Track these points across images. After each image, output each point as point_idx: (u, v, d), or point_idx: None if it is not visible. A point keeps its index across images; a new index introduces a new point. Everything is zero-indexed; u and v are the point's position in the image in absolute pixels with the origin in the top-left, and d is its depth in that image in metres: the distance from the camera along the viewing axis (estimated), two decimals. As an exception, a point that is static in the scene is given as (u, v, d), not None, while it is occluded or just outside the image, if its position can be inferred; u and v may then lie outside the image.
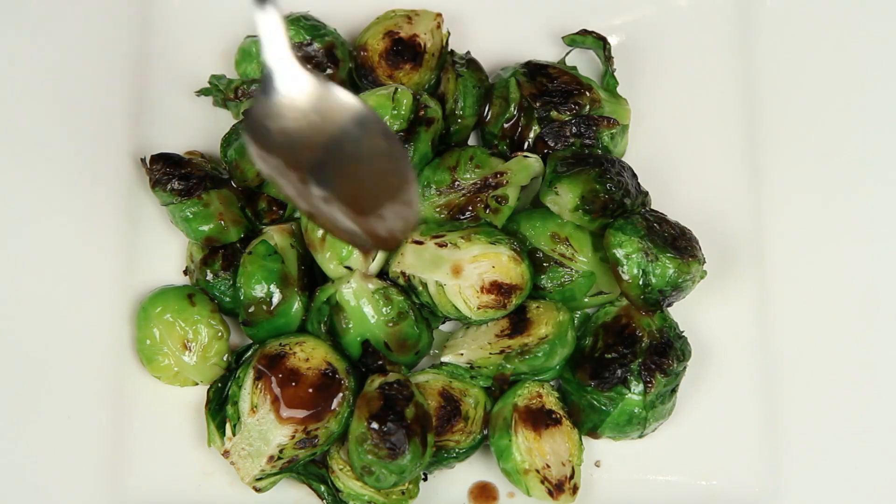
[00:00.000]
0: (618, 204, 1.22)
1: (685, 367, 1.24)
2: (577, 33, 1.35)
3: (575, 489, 1.20)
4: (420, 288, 1.21)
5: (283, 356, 1.19)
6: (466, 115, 1.30)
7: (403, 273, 1.21)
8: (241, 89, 1.30)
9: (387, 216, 1.06)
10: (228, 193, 1.27)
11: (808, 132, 1.35)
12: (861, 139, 1.34)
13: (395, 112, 1.22)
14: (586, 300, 1.26)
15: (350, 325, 1.21)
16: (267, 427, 1.17)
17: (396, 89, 1.23)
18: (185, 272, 1.30)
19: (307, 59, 1.30)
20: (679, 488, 1.26)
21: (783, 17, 1.37)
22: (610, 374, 1.21)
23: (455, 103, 1.30)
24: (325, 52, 1.30)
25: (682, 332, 1.25)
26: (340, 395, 1.19)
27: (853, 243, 1.32)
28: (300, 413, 1.17)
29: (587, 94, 1.30)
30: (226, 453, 1.19)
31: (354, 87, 1.32)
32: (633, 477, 1.27)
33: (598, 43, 1.34)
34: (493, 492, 1.25)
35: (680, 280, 1.20)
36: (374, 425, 1.14)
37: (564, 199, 1.22)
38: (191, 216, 1.25)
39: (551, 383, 1.25)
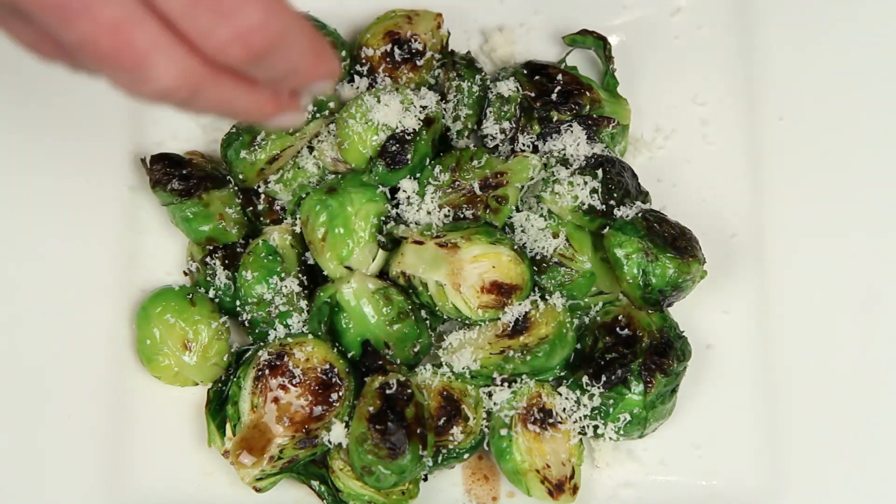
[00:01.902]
0: (617, 203, 1.22)
1: (685, 367, 1.24)
2: (577, 33, 1.35)
3: (575, 489, 1.20)
4: (420, 288, 1.21)
5: (283, 356, 1.19)
6: (466, 115, 1.30)
7: (403, 273, 1.21)
8: (241, 89, 1.30)
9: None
10: (228, 193, 1.28)
11: (809, 132, 1.34)
12: (863, 139, 1.34)
13: None
14: (586, 300, 1.26)
15: (350, 325, 1.21)
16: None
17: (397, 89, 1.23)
18: (185, 272, 1.30)
19: (307, 59, 1.30)
20: (679, 488, 1.26)
21: (783, 17, 1.37)
22: (610, 374, 1.21)
23: (455, 103, 1.30)
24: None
25: (682, 332, 1.25)
26: (340, 395, 1.19)
27: (854, 243, 1.32)
28: (300, 413, 1.17)
29: (587, 94, 1.30)
30: (226, 453, 1.19)
31: (354, 87, 1.33)
32: (633, 477, 1.27)
33: (599, 43, 1.34)
34: (491, 470, 1.26)
35: (680, 280, 1.20)
36: (375, 425, 1.14)
37: (564, 199, 1.22)
38: (191, 216, 1.25)
39: (551, 383, 1.25)
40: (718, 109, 1.36)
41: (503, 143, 1.30)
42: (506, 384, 1.23)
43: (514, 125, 1.29)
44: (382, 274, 1.24)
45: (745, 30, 1.37)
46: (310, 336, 1.22)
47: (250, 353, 1.22)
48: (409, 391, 1.16)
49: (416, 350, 1.23)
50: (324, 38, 0.80)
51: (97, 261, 1.28)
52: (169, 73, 0.72)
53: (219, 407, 1.22)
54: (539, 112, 1.29)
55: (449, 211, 1.23)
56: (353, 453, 1.16)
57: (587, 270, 1.24)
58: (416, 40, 1.30)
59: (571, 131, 1.28)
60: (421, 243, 1.20)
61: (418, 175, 1.25)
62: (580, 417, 1.22)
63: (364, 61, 1.31)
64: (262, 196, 1.29)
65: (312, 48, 0.78)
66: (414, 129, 1.22)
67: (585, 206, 1.22)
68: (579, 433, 1.23)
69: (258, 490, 1.20)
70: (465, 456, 1.22)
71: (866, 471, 1.26)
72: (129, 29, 0.70)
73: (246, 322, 1.24)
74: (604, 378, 1.21)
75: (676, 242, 1.20)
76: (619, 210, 1.22)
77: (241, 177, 1.26)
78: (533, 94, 1.29)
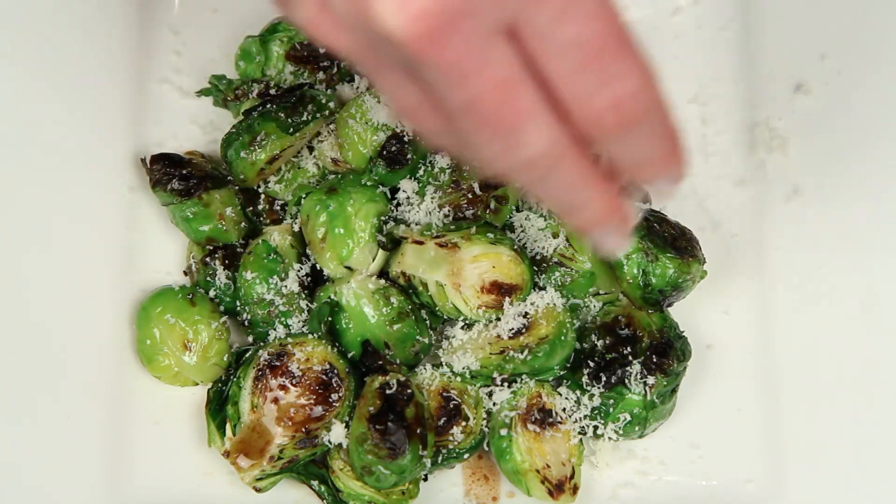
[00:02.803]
0: (618, 204, 1.22)
1: (685, 367, 1.24)
2: (577, 33, 1.34)
3: (575, 489, 1.20)
4: (420, 288, 1.21)
5: (284, 356, 1.19)
6: (466, 115, 1.30)
7: (403, 273, 1.21)
8: (242, 89, 1.31)
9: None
10: (228, 193, 1.28)
11: (809, 132, 1.35)
12: (864, 139, 1.34)
13: None
14: (586, 300, 1.26)
15: (350, 325, 1.21)
16: (268, 426, 1.17)
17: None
18: (185, 272, 1.30)
19: (308, 59, 1.30)
20: (679, 488, 1.26)
21: (784, 17, 1.37)
22: (610, 374, 1.21)
23: (455, 103, 1.30)
24: (325, 50, 1.30)
25: (682, 332, 1.25)
26: (340, 395, 1.19)
27: (855, 243, 1.32)
28: (300, 413, 1.17)
29: (587, 94, 1.30)
30: (226, 453, 1.19)
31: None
32: (634, 477, 1.27)
33: (599, 43, 1.33)
34: (491, 470, 1.26)
35: (680, 280, 1.20)
36: (375, 425, 1.14)
37: (564, 199, 1.22)
38: (191, 216, 1.25)
39: (551, 383, 1.25)
40: (718, 109, 1.36)
41: (503, 143, 1.30)
42: (506, 384, 1.23)
43: (514, 125, 1.29)
44: (382, 274, 1.24)
45: (746, 30, 1.37)
46: (310, 336, 1.22)
47: (250, 353, 1.22)
48: (409, 391, 1.16)
49: (416, 350, 1.23)
50: (680, 134, 0.79)
51: (97, 261, 1.28)
52: (540, 140, 0.73)
53: (219, 407, 1.22)
54: (539, 112, 1.29)
55: (449, 211, 1.23)
56: (353, 453, 1.16)
57: (587, 270, 1.24)
58: (416, 40, 1.30)
59: (571, 131, 1.28)
60: (421, 243, 1.20)
61: (418, 175, 1.25)
62: (580, 417, 1.22)
63: (364, 61, 1.31)
64: (262, 196, 1.29)
65: (670, 135, 0.78)
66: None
67: (585, 206, 1.22)
68: (579, 433, 1.23)
69: (258, 490, 1.20)
70: (465, 456, 1.22)
71: (866, 471, 1.26)
72: (514, 90, 0.72)
73: (246, 322, 1.24)
74: (604, 378, 1.21)
75: (676, 242, 1.20)
76: (619, 210, 1.22)
77: (241, 177, 1.26)
78: (533, 94, 1.29)
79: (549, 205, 0.81)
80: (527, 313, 1.22)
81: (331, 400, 1.18)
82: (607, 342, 1.22)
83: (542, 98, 0.73)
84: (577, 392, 1.23)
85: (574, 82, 0.72)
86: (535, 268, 1.23)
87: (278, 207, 1.29)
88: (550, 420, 1.21)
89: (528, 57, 0.72)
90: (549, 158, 0.75)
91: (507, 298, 1.20)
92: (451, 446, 1.21)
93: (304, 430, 1.17)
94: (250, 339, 1.26)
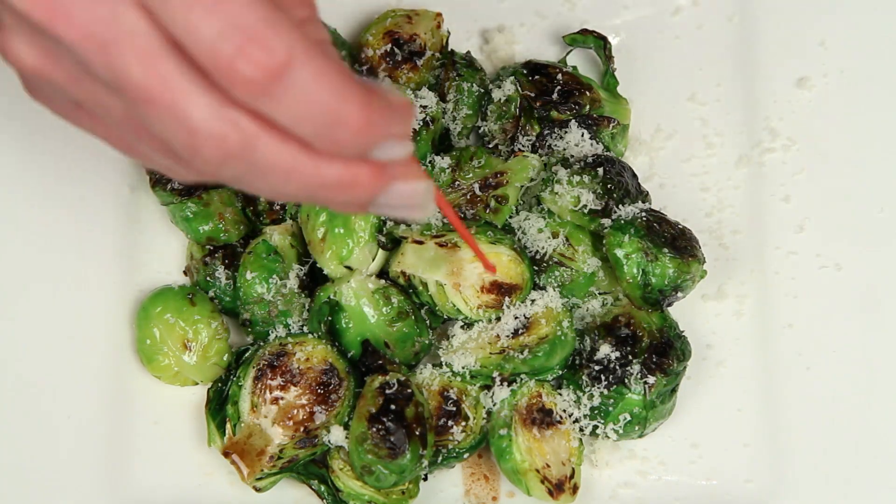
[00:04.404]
0: (617, 203, 1.22)
1: (685, 367, 1.24)
2: (577, 33, 1.35)
3: (575, 489, 1.20)
4: (420, 288, 1.21)
5: (284, 356, 1.19)
6: (466, 115, 1.30)
7: (403, 273, 1.21)
8: (242, 89, 1.31)
9: None
10: (228, 193, 1.28)
11: (809, 132, 1.35)
12: (864, 139, 1.34)
13: None
14: (586, 300, 1.26)
15: (350, 325, 1.21)
16: (267, 427, 1.17)
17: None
18: (185, 272, 1.30)
19: (307, 59, 1.30)
20: (679, 488, 1.26)
21: (784, 17, 1.37)
22: (610, 373, 1.21)
23: (455, 103, 1.30)
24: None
25: (682, 332, 1.25)
26: (340, 395, 1.19)
27: (854, 242, 1.32)
28: (300, 413, 1.17)
29: (587, 94, 1.30)
30: (225, 453, 1.19)
31: (354, 86, 1.32)
32: (633, 477, 1.27)
33: (599, 42, 1.34)
34: (491, 470, 1.26)
35: (680, 280, 1.20)
36: (374, 425, 1.14)
37: (564, 199, 1.22)
38: (191, 216, 1.25)
39: (551, 383, 1.25)
40: (718, 109, 1.36)
41: (503, 143, 1.30)
42: (505, 384, 1.23)
43: (514, 125, 1.29)
44: (382, 274, 1.24)
45: (746, 30, 1.37)
46: (310, 336, 1.22)
47: (250, 352, 1.22)
48: (409, 391, 1.16)
49: (416, 350, 1.23)
50: (381, 91, 0.71)
51: (97, 261, 1.28)
52: (206, 111, 0.67)
53: (219, 407, 1.22)
54: (539, 112, 1.29)
55: (449, 211, 1.23)
56: (353, 453, 1.16)
57: (587, 271, 1.24)
58: (416, 40, 1.30)
59: (571, 131, 1.28)
60: (421, 243, 1.20)
61: (418, 175, 1.25)
62: (580, 417, 1.22)
63: (364, 61, 1.31)
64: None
65: (338, 90, 0.69)
66: (414, 129, 1.22)
67: (585, 207, 1.22)
68: (579, 433, 1.23)
69: (258, 490, 1.20)
70: (465, 456, 1.22)
71: (866, 471, 1.26)
72: (160, 60, 0.67)
73: (246, 322, 1.24)
74: (604, 378, 1.21)
75: (676, 242, 1.20)
76: (618, 210, 1.22)
77: (241, 177, 1.26)
78: (533, 94, 1.29)
79: (270, 186, 0.73)
80: (526, 313, 1.22)
81: (331, 400, 1.18)
82: (607, 342, 1.22)
83: (193, 70, 0.67)
84: (577, 392, 1.23)
85: (214, 48, 0.66)
86: (535, 267, 1.23)
87: (278, 207, 1.29)
88: (550, 420, 1.21)
89: (163, 29, 0.66)
90: (236, 139, 0.68)
91: (506, 298, 1.20)
92: (450, 446, 1.21)
93: (303, 429, 1.17)
94: (250, 338, 1.26)
